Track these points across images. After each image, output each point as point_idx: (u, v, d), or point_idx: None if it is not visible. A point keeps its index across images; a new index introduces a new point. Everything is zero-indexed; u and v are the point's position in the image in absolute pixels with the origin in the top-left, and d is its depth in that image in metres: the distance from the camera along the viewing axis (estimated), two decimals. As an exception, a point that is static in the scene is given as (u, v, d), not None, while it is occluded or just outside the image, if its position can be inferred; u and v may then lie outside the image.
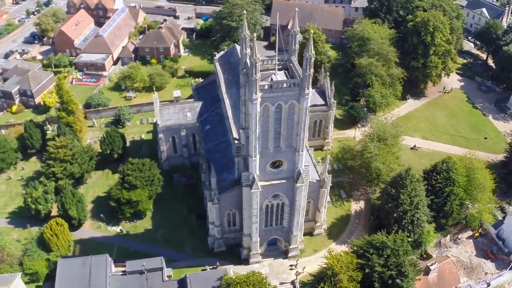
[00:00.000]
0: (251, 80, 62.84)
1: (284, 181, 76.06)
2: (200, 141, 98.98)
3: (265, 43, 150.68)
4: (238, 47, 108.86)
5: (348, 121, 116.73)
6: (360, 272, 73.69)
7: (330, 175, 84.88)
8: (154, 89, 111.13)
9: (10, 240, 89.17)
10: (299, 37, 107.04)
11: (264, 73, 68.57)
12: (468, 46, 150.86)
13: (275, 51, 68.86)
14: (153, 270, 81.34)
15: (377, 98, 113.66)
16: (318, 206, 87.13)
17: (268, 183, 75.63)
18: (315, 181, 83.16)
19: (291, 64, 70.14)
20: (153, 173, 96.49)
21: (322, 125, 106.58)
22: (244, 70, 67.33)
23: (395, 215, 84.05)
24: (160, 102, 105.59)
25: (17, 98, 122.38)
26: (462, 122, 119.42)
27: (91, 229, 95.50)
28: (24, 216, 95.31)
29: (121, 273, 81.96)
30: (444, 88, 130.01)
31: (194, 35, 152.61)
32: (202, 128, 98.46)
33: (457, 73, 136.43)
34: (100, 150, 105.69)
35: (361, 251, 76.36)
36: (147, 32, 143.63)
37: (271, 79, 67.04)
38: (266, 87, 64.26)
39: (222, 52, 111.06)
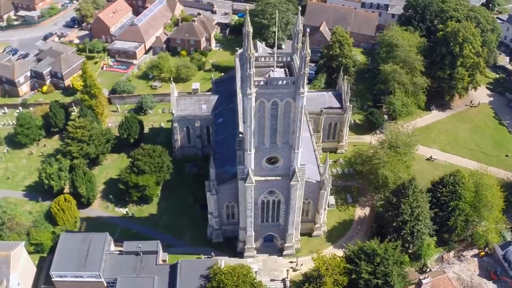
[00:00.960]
0: (246, 75, 63.77)
1: (280, 178, 76.37)
2: (212, 133, 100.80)
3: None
4: (259, 44, 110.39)
5: (367, 127, 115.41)
6: (347, 277, 73.28)
7: (331, 177, 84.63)
8: (172, 79, 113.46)
9: (22, 211, 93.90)
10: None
11: (263, 70, 69.48)
12: (504, 61, 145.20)
13: (275, 48, 69.55)
14: (149, 252, 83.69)
15: (397, 106, 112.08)
16: (317, 208, 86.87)
17: (263, 178, 76.20)
18: (314, 182, 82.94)
19: (293, 63, 70.33)
20: (163, 160, 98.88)
21: (337, 128, 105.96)
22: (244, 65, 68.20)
23: (394, 224, 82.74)
24: (180, 93, 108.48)
25: (48, 79, 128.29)
26: (485, 138, 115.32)
27: (99, 208, 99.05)
28: (38, 190, 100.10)
29: (118, 252, 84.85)
30: (471, 102, 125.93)
31: (227, 31, 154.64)
32: (215, 121, 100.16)
33: (487, 87, 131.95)
34: (117, 134, 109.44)
35: (352, 256, 75.77)
36: (180, 24, 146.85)
37: (269, 76, 67.56)
38: (261, 83, 64.91)
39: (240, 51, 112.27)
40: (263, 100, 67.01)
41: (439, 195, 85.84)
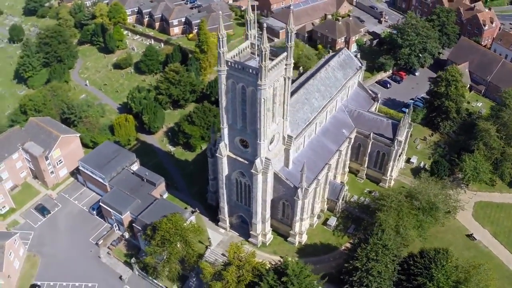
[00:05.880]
0: (218, 53, 69.75)
1: (247, 162, 79.85)
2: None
3: (433, 75, 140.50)
4: (346, 52, 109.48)
5: (429, 175, 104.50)
6: (251, 277, 73.99)
7: (312, 191, 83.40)
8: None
9: (103, 116, 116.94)
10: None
11: (251, 56, 73.92)
12: None
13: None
14: (150, 182, 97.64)
15: (466, 167, 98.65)
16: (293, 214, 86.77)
17: (234, 156, 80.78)
18: (292, 186, 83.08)
19: (278, 57, 72.33)
20: (215, 121, 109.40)
21: (384, 159, 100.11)
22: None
23: (346, 265, 78.30)
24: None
25: (195, 28, 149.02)
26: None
27: (156, 139, 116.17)
28: (125, 108, 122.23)
29: (132, 172, 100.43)
30: None
31: (375, 41, 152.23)
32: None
33: None
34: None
35: (268, 265, 75.98)
36: (326, 19, 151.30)
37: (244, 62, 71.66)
38: (229, 63, 69.87)
39: (331, 54, 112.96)
40: (234, 82, 71.78)
41: (412, 263, 76.80)
